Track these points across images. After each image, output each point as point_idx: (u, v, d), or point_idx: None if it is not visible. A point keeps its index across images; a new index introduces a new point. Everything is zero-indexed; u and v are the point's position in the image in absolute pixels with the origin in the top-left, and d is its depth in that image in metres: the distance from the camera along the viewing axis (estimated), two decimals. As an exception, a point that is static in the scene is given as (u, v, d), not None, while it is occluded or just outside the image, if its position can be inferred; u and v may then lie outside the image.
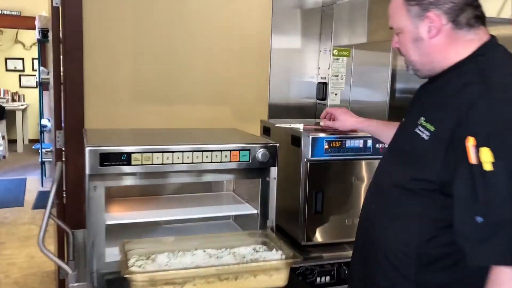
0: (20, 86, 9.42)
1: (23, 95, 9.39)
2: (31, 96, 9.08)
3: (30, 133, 9.20)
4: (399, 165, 1.34)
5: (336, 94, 2.91)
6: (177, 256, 1.62)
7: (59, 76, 2.57)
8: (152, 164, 1.62)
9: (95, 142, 1.63)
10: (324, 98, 2.90)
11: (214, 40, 2.61)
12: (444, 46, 1.25)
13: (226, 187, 2.15)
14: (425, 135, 1.21)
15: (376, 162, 1.55)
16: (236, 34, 2.66)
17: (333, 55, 2.86)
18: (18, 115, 8.70)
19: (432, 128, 1.20)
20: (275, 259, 1.56)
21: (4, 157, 8.09)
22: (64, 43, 2.43)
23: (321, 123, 1.93)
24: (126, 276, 1.35)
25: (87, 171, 1.56)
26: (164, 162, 1.63)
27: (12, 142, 8.69)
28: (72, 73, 2.44)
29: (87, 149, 1.55)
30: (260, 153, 1.72)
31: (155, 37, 2.51)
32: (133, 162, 1.60)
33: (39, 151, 6.51)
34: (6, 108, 8.50)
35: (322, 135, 1.91)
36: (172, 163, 1.64)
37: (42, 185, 6.37)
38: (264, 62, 2.76)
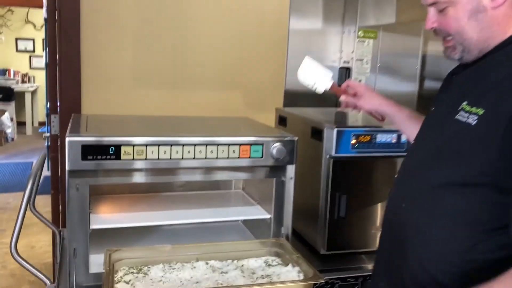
0: (31, 68, 9.24)
1: (34, 77, 9.21)
2: (42, 78, 8.88)
3: (40, 116, 9.03)
4: (437, 160, 1.13)
5: (360, 81, 2.61)
6: (173, 269, 1.36)
7: (55, 56, 2.32)
8: (145, 159, 1.36)
9: (78, 130, 1.37)
10: (347, 85, 2.60)
11: (226, 20, 2.33)
12: (505, 18, 1.08)
13: (235, 184, 1.88)
14: (471, 119, 1.04)
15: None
16: (250, 14, 2.37)
17: (358, 36, 2.56)
18: (28, 97, 8.53)
19: (480, 111, 1.03)
20: (293, 280, 1.28)
21: (12, 139, 7.95)
22: (59, 21, 2.18)
23: (342, 98, 1.55)
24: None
25: (67, 166, 1.30)
26: (160, 157, 1.37)
27: (21, 124, 8.54)
28: (68, 53, 2.19)
29: (67, 139, 1.29)
30: (275, 148, 1.45)
31: (160, 16, 2.23)
32: (123, 157, 1.34)
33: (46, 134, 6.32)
34: (15, 89, 8.33)
35: (348, 128, 1.63)
36: (170, 159, 1.38)
37: (48, 170, 6.18)
38: (280, 44, 2.47)
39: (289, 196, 1.52)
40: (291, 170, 1.50)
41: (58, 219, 2.30)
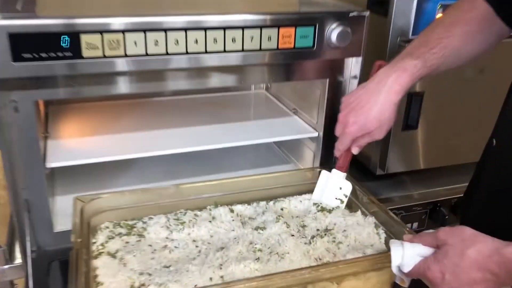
0: None
1: None
2: None
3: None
4: None
5: None
6: (182, 223, 0.89)
7: None
8: (125, 55, 0.80)
9: (5, 9, 0.79)
10: None
11: None
12: None
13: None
14: None
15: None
16: None
17: None
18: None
19: None
20: (381, 253, 0.82)
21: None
22: None
23: (354, 152, 0.92)
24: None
25: (-11, 73, 0.75)
26: (148, 52, 0.82)
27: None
28: None
29: (-21, 25, 0.72)
30: (335, 31, 0.89)
31: None
32: (84, 53, 0.78)
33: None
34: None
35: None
36: (166, 53, 0.83)
37: None
38: None
39: (350, 105, 1.00)
40: (355, 65, 0.97)
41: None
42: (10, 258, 0.93)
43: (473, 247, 0.62)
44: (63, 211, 0.95)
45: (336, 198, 0.95)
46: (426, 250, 0.68)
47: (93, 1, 0.97)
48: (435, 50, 0.81)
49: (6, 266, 0.93)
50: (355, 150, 0.90)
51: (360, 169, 1.27)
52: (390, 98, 0.81)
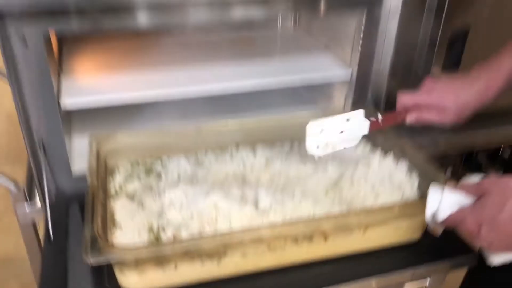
0: None
1: None
2: None
3: None
4: None
5: None
6: (202, 164, 0.85)
7: None
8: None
9: None
10: None
11: None
12: None
13: (282, 19, 1.24)
14: None
15: None
16: None
17: None
18: None
19: None
20: (409, 202, 0.76)
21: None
22: None
23: (409, 119, 0.80)
24: (96, 263, 0.59)
25: (-7, 3, 0.69)
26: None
27: None
28: None
29: None
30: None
31: None
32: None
33: None
34: None
35: None
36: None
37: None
38: None
39: (389, 41, 0.91)
40: (395, -4, 0.86)
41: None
42: (29, 198, 0.91)
43: None
44: (81, 153, 0.92)
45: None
46: (467, 200, 0.61)
47: None
48: None
49: (27, 207, 0.91)
50: (411, 118, 0.80)
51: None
52: (482, 96, 0.74)
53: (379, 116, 0.80)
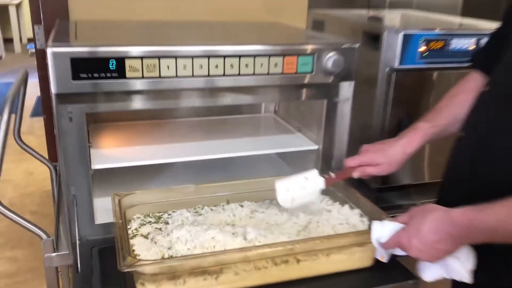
0: (12, -22, 8.45)
1: (17, -12, 8.46)
2: (27, -10, 8.15)
3: (28, 31, 8.41)
4: None
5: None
6: (200, 214, 1.07)
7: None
8: (159, 77, 1.00)
9: (66, 39, 1.00)
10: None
11: None
12: None
13: (266, 107, 1.54)
14: None
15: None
16: None
17: None
18: (12, 11, 7.87)
19: None
20: (363, 231, 0.99)
21: (0, 57, 7.45)
22: None
23: (355, 175, 1.07)
24: (127, 269, 0.79)
25: (53, 89, 0.95)
26: (179, 74, 1.01)
27: (8, 41, 7.96)
28: None
29: (49, 50, 0.93)
30: (330, 59, 1.09)
31: None
32: (128, 74, 0.98)
33: (32, 50, 5.84)
34: (-4, 2, 7.66)
35: (418, 31, 1.26)
36: (192, 75, 1.02)
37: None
38: None
39: (345, 122, 1.19)
40: (348, 88, 1.15)
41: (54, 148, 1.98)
42: (57, 247, 1.11)
43: (430, 214, 0.78)
44: (100, 208, 1.13)
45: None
46: (400, 226, 0.84)
47: (127, 32, 1.18)
48: (441, 114, 1.04)
49: (54, 254, 1.10)
50: (356, 174, 1.06)
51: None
52: (405, 148, 1.01)
53: (332, 174, 1.06)
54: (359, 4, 2.17)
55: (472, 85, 1.04)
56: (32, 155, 1.47)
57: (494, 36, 1.04)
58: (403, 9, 2.02)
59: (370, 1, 2.21)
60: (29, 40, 8.29)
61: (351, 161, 1.05)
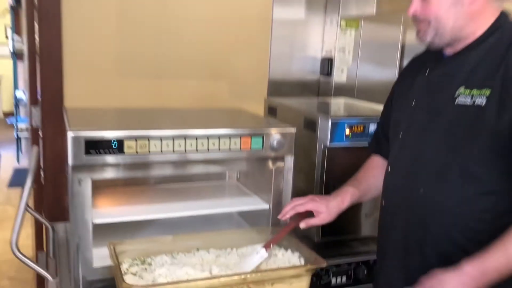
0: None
1: (-5, 65, 8.86)
2: (4, 67, 8.55)
3: (4, 105, 8.72)
4: (446, 144, 1.19)
5: (342, 71, 2.66)
6: (175, 258, 1.38)
7: (34, 45, 2.25)
8: (148, 152, 1.36)
9: (78, 125, 1.35)
10: (329, 74, 2.65)
11: (208, 8, 2.30)
12: (480, 14, 1.19)
13: (229, 175, 1.90)
14: (479, 101, 1.13)
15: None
16: (234, 3, 2.36)
17: (340, 26, 2.59)
18: (-10, 86, 8.22)
19: (487, 92, 1.12)
20: (295, 266, 1.33)
21: (-25, 130, 7.66)
22: (39, 8, 2.11)
23: (302, 225, 1.40)
24: (121, 292, 1.10)
25: (70, 161, 1.29)
26: (163, 150, 1.37)
27: (-17, 114, 8.23)
28: (49, 42, 2.11)
29: (69, 135, 1.28)
30: (275, 140, 1.47)
31: (144, 4, 2.19)
32: (126, 151, 1.33)
33: (14, 125, 6.13)
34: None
35: (343, 118, 1.67)
36: (173, 151, 1.38)
37: (18, 162, 6.01)
38: (264, 34, 2.47)
39: (288, 186, 1.55)
40: (289, 160, 1.53)
41: (46, 213, 2.26)
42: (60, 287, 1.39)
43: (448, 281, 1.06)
44: (97, 254, 1.43)
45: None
46: None
47: (121, 119, 1.55)
48: (360, 182, 1.46)
49: (57, 292, 1.38)
50: (302, 225, 1.39)
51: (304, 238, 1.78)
52: (340, 204, 1.41)
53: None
54: (311, 92, 2.66)
55: (379, 162, 1.46)
56: (36, 217, 1.75)
57: (380, 122, 1.45)
58: (345, 97, 2.47)
59: (319, 90, 2.69)
60: (5, 114, 8.58)
61: (300, 207, 1.38)
